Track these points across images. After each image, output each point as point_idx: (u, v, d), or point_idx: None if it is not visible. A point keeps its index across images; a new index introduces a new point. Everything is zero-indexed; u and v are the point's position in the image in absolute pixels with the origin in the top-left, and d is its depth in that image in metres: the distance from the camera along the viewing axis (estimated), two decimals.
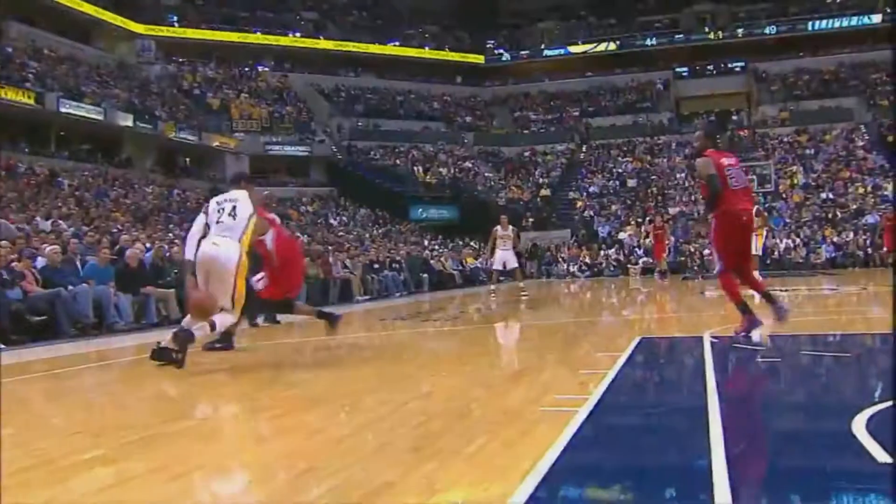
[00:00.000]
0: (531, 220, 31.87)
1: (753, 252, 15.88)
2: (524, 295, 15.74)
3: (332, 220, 30.97)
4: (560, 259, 28.08)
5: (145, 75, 36.55)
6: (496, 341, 8.91)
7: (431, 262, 22.67)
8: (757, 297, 7.40)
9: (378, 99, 42.54)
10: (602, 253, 27.72)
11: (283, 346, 8.51)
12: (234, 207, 6.28)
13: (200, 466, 3.37)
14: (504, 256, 16.16)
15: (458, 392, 5.00)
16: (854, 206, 28.99)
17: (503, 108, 44.92)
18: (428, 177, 35.48)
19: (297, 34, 43.39)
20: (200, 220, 6.32)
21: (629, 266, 26.04)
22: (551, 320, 11.04)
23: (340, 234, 27.06)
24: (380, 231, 29.73)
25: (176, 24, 40.39)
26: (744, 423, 4.10)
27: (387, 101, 42.62)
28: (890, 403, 4.17)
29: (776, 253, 25.46)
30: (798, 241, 26.01)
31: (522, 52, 46.88)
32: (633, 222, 29.54)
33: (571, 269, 27.28)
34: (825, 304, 12.17)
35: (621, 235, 28.77)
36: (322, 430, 4.09)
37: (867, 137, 35.17)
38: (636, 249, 27.22)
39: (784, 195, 30.70)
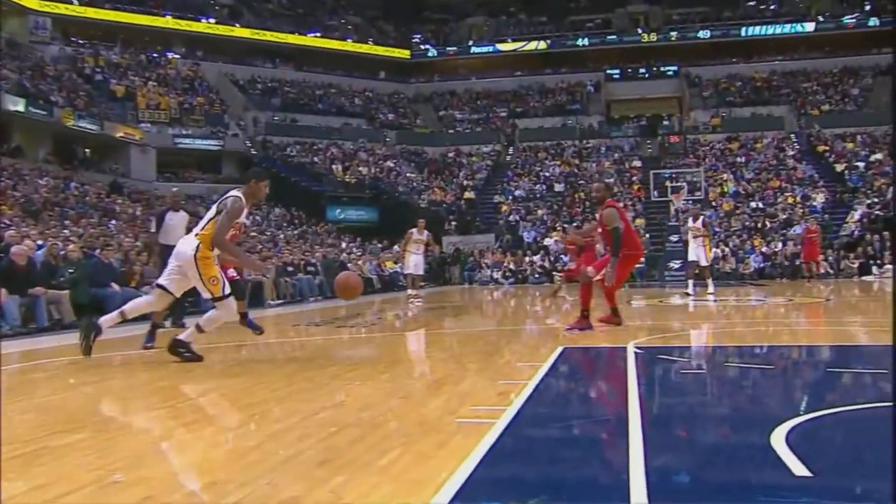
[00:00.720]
0: (454, 223, 32.07)
1: (704, 263, 16.62)
2: (416, 302, 15.99)
3: (243, 220, 30.53)
4: (483, 265, 28.34)
5: (40, 56, 35.30)
6: (415, 349, 8.94)
7: (349, 265, 22.58)
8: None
9: (296, 92, 42.15)
10: (527, 259, 28.09)
11: None
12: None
13: (90, 484, 3.29)
14: (416, 261, 16.53)
15: (373, 402, 5.01)
16: (783, 217, 30.15)
17: (428, 106, 45.10)
18: (347, 176, 35.32)
19: (211, 20, 42.66)
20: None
21: (555, 273, 26.40)
22: (473, 328, 11.13)
23: (253, 234, 26.68)
24: (295, 232, 29.44)
25: (76, 2, 39.13)
26: (664, 435, 4.22)
27: (305, 95, 42.26)
28: (810, 416, 4.37)
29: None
30: (727, 250, 26.88)
31: (449, 49, 47.23)
32: (559, 228, 30.00)
33: (495, 275, 27.58)
34: (752, 315, 12.62)
35: (547, 241, 29.19)
36: (226, 441, 4.04)
37: (797, 147, 36.64)
38: (562, 256, 27.64)
39: (714, 203, 31.68)
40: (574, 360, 7.39)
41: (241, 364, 7.22)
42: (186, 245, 6.90)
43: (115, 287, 12.74)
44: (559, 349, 7.52)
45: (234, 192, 7.19)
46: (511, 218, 32.63)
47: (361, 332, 10.54)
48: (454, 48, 47.17)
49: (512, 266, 27.76)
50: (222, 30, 42.51)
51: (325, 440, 3.88)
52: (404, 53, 46.88)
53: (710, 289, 16.64)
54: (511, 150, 40.31)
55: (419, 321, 12.76)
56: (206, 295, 6.89)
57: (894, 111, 35.62)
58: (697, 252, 16.85)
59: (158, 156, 34.18)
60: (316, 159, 36.78)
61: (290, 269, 19.26)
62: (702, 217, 17.70)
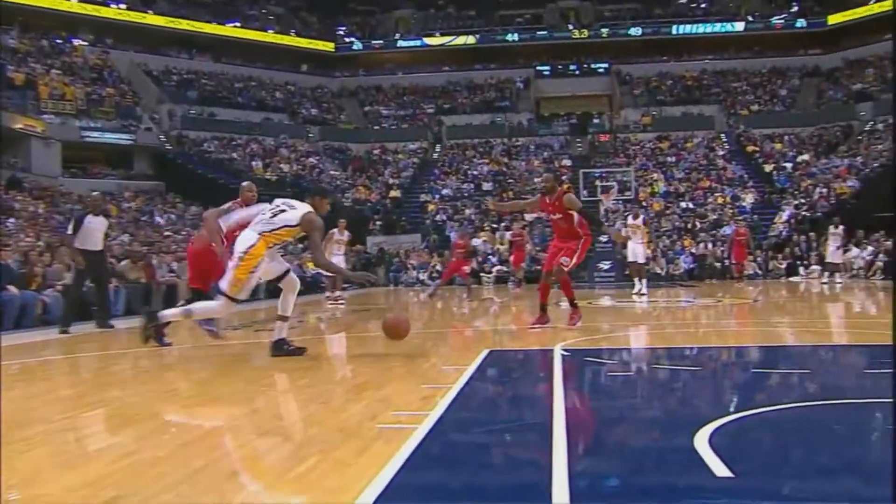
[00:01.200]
0: (379, 223, 31.99)
1: (641, 261, 17.20)
2: (339, 304, 16.13)
3: (157, 218, 29.86)
4: (409, 266, 28.35)
5: None
6: (337, 353, 8.90)
7: None
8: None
9: (214, 85, 41.46)
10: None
11: (94, 359, 8.14)
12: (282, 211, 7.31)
13: None
14: (338, 262, 16.74)
15: (290, 408, 4.97)
16: (713, 217, 30.98)
17: (352, 101, 44.89)
18: (268, 173, 34.89)
19: (122, 6, 41.53)
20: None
21: (482, 274, 26.64)
22: None
23: (167, 233, 26.15)
24: None
25: None
26: (588, 438, 4.31)
27: (224, 88, 41.60)
28: (734, 417, 4.51)
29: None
30: (658, 251, 27.47)
31: (375, 42, 47.08)
32: (487, 228, 30.23)
33: (421, 276, 27.62)
34: (681, 316, 12.94)
35: (475, 242, 29.30)
36: (132, 452, 3.95)
37: (727, 146, 37.69)
38: (490, 257, 27.88)
39: (644, 203, 32.31)
40: (500, 362, 7.46)
41: (152, 371, 7.08)
42: (240, 244, 7.16)
43: (13, 290, 12.33)
44: (485, 352, 7.58)
45: (304, 206, 7.43)
46: (438, 217, 32.73)
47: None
48: (380, 41, 47.04)
49: (439, 267, 27.82)
50: (134, 16, 41.48)
51: (238, 449, 3.84)
52: (328, 46, 46.54)
53: (643, 289, 17.10)
54: (438, 148, 40.41)
55: (341, 324, 12.70)
56: (223, 284, 7.14)
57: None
58: (636, 250, 17.44)
59: (64, 150, 33.12)
60: (235, 155, 36.25)
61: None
62: (642, 215, 18.32)
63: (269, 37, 44.95)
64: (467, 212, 32.86)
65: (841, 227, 22.52)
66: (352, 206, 33.16)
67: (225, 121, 38.65)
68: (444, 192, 35.27)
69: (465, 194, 34.99)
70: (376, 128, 42.52)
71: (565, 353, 7.33)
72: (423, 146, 40.11)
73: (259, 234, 7.17)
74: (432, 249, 29.48)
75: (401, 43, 46.83)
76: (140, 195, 32.47)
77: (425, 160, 39.22)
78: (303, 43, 45.92)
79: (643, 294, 17.17)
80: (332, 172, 37.08)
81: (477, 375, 6.25)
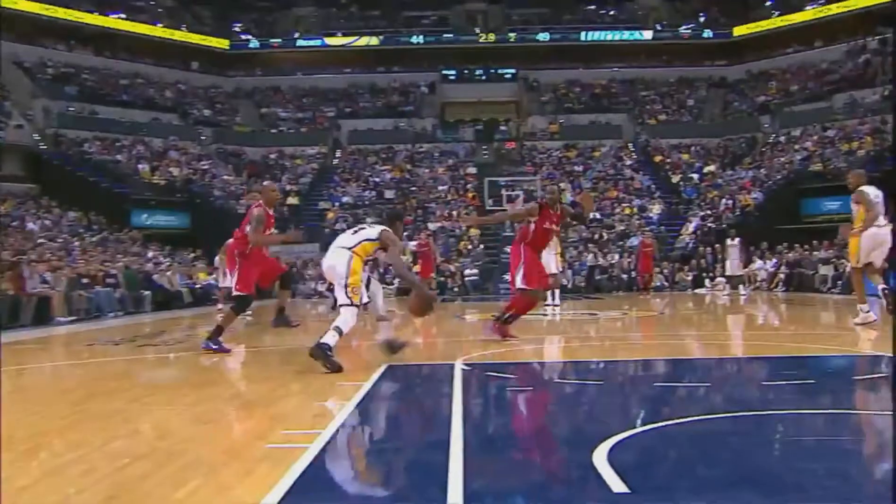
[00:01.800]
0: (275, 231, 31.62)
1: (554, 271, 17.68)
2: (247, 317, 16.02)
3: (30, 225, 28.74)
4: (307, 276, 28.09)
5: None
6: (227, 369, 8.75)
7: (155, 277, 21.77)
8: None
9: (96, 80, 40.22)
10: None
11: None
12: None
13: None
14: None
15: (173, 429, 4.87)
16: (620, 228, 31.76)
17: (248, 102, 44.25)
18: (156, 177, 34.03)
19: None
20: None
21: (385, 286, 26.56)
22: (292, 345, 11.01)
23: (41, 241, 25.20)
24: (93, 239, 28.04)
25: None
26: (486, 455, 4.36)
27: (107, 84, 40.40)
28: (635, 431, 4.64)
29: None
30: (563, 262, 27.98)
31: (273, 41, 46.54)
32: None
33: (319, 287, 27.40)
34: (586, 329, 13.21)
35: (376, 252, 29.32)
36: None
37: (635, 156, 38.71)
38: (391, 267, 27.91)
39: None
40: (398, 377, 7.47)
41: (27, 390, 6.83)
42: (338, 260, 8.17)
43: None
44: (383, 367, 7.60)
45: (384, 228, 8.68)
46: (338, 226, 32.44)
47: (169, 352, 10.20)
48: (278, 40, 46.50)
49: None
50: (4, 2, 39.88)
51: (113, 474, 3.74)
52: (223, 43, 45.75)
53: (556, 300, 17.56)
54: (339, 153, 40.14)
55: (234, 338, 12.48)
56: (342, 300, 8.04)
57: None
58: (549, 262, 17.76)
59: None
60: (119, 157, 35.19)
61: (85, 280, 18.33)
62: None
63: (158, 31, 43.80)
64: (368, 220, 32.79)
65: (738, 239, 23.48)
66: (246, 214, 32.66)
67: (108, 119, 37.49)
68: (345, 199, 35.10)
69: (367, 202, 34.90)
70: (273, 131, 42.01)
71: (466, 368, 7.40)
72: (322, 151, 39.81)
73: (349, 249, 8.26)
74: None
75: (300, 42, 46.44)
76: (10, 198, 31.18)
77: (325, 166, 38.93)
78: (195, 39, 45.02)
79: (556, 306, 17.63)
80: (225, 177, 36.38)
81: (374, 391, 6.27)
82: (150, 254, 25.20)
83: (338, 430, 4.60)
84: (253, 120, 43.02)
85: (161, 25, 43.90)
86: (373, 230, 8.55)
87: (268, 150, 39.94)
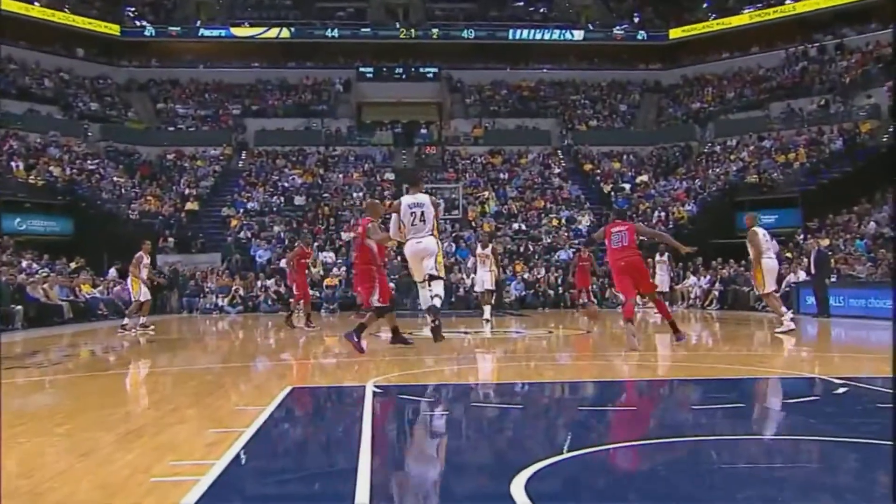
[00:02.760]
0: (172, 239, 31.03)
1: (490, 287, 18.70)
2: (150, 332, 15.80)
3: None
4: (206, 289, 27.67)
5: None
6: (113, 392, 8.53)
7: (28, 289, 21.08)
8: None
9: None
10: (259, 284, 27.80)
11: None
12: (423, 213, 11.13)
13: None
14: (145, 291, 17.43)
15: (41, 463, 4.71)
16: (547, 240, 32.10)
17: (143, 95, 43.40)
18: (32, 177, 33.05)
19: None
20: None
21: (292, 301, 26.33)
22: (188, 366, 10.82)
23: None
24: None
25: None
26: (395, 487, 4.32)
27: None
28: (556, 459, 4.66)
29: (461, 290, 27.29)
30: (497, 277, 28.14)
31: (172, 28, 45.76)
32: (299, 247, 30.00)
33: (220, 302, 27.03)
34: (510, 348, 13.28)
35: (284, 263, 29.01)
36: None
37: (564, 164, 39.23)
38: None
39: (473, 224, 33.03)
40: (304, 400, 7.41)
41: None
42: (431, 243, 11.13)
43: None
44: (287, 389, 7.53)
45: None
46: (242, 235, 32.11)
47: (44, 374, 9.88)
48: (178, 28, 45.71)
49: (241, 291, 27.34)
50: None
51: None
52: (113, 29, 44.68)
53: (488, 315, 18.85)
54: (244, 155, 39.67)
55: (122, 359, 12.20)
56: (434, 272, 11.03)
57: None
58: (483, 278, 19.28)
59: None
60: None
61: None
62: (491, 244, 19.94)
63: (36, 10, 42.13)
64: (276, 228, 32.46)
65: (666, 254, 23.82)
66: (139, 220, 32.00)
67: None
68: (250, 205, 34.68)
69: (274, 208, 34.56)
70: (171, 129, 41.28)
71: (378, 390, 7.37)
72: (226, 152, 39.30)
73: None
74: (234, 271, 28.89)
75: (203, 32, 45.75)
76: None
77: (228, 168, 38.45)
78: (80, 22, 43.65)
79: (488, 321, 18.45)
80: (115, 179, 35.52)
81: (276, 416, 6.19)
82: (24, 263, 24.40)
83: (233, 461, 4.51)
84: (148, 116, 42.21)
85: (39, 5, 42.39)
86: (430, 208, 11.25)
87: (164, 149, 39.24)
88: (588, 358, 11.44)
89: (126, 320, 17.47)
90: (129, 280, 18.25)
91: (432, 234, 11.06)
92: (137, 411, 6.93)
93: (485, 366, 10.53)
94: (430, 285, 11.05)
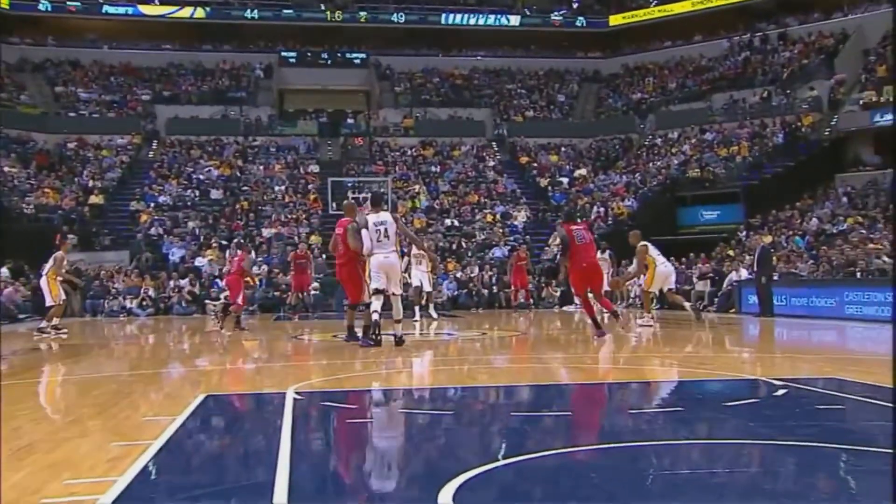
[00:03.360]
0: (74, 236, 30.30)
1: (428, 288, 19.45)
2: (62, 335, 16.12)
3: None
4: (113, 290, 27.16)
5: None
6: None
7: None
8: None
9: None
10: (172, 284, 27.40)
11: None
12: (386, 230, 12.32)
13: None
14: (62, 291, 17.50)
15: None
16: (481, 237, 32.22)
17: (38, 77, 42.24)
18: None
19: None
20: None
21: (208, 302, 26.07)
22: (92, 373, 10.64)
23: None
24: None
25: None
26: (316, 501, 4.30)
27: None
28: (485, 468, 4.68)
29: None
30: (433, 276, 28.13)
31: (71, 4, 44.55)
32: (215, 245, 29.64)
33: (129, 304, 26.59)
34: (442, 351, 13.32)
35: (199, 262, 28.69)
36: None
37: (499, 157, 39.44)
38: (218, 281, 27.33)
39: (404, 219, 32.98)
40: (218, 409, 7.35)
41: None
42: (395, 259, 12.72)
43: None
44: (201, 396, 7.45)
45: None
46: (153, 231, 31.59)
47: None
48: (78, 3, 44.67)
49: (151, 293, 26.89)
50: None
51: None
52: (2, 1, 43.46)
53: (434, 314, 20.21)
54: (154, 145, 39.09)
55: (16, 367, 11.91)
56: (397, 290, 12.82)
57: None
58: (421, 277, 20.09)
59: None
60: None
61: None
62: (426, 242, 20.39)
63: None
64: (190, 224, 32.04)
65: (608, 251, 23.98)
66: (35, 215, 31.26)
67: None
68: (162, 199, 34.17)
69: (189, 203, 34.09)
70: (72, 115, 40.26)
71: (299, 397, 7.33)
72: (134, 141, 38.63)
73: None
74: (144, 270, 28.43)
75: (107, 8, 44.72)
76: None
77: (137, 159, 37.83)
78: None
79: (433, 319, 19.85)
80: (7, 169, 34.63)
81: (187, 427, 6.11)
82: None
83: (137, 477, 4.43)
84: (44, 100, 41.12)
85: None
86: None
87: (64, 137, 38.24)
88: (524, 360, 11.52)
89: (44, 323, 17.42)
90: (44, 282, 17.87)
91: (395, 251, 12.47)
92: (29, 426, 6.71)
93: (415, 370, 10.53)
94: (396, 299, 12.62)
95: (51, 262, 17.63)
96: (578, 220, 15.82)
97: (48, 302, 17.67)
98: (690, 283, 25.08)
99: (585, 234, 14.15)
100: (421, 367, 10.86)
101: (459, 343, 14.87)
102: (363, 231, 12.45)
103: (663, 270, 17.11)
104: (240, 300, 17.90)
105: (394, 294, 12.53)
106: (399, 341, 12.32)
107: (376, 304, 12.27)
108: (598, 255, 24.20)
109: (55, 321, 17.48)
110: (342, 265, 13.21)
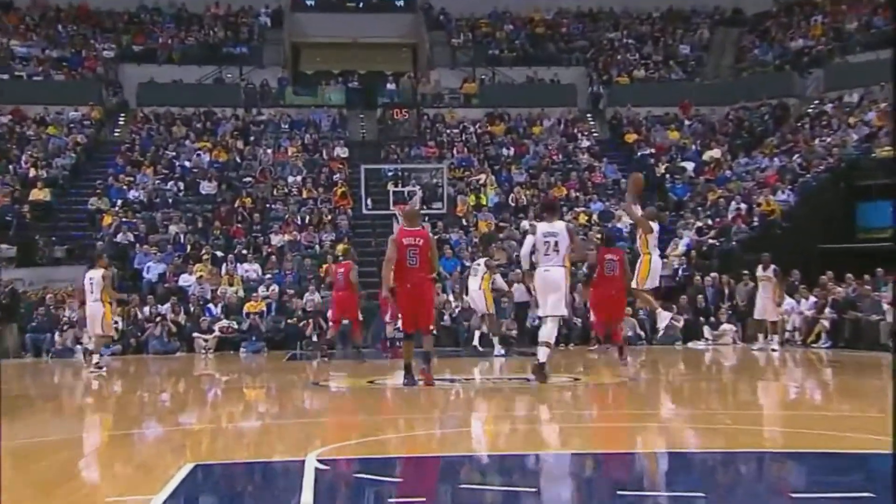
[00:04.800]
0: (8, 246, 30.56)
1: (486, 310, 21.47)
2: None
3: None
4: (64, 320, 27.32)
5: None
6: None
7: None
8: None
9: None
10: (147, 311, 27.48)
11: None
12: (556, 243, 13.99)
13: None
14: None
15: None
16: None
17: None
18: None
19: None
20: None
21: (196, 336, 26.21)
22: (34, 438, 10.73)
23: None
24: None
25: None
26: None
27: None
28: None
29: (446, 317, 27.07)
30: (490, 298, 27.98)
31: None
32: (207, 258, 29.65)
33: (86, 339, 26.52)
34: (515, 403, 13.28)
35: (184, 281, 28.75)
36: None
37: (597, 135, 39.20)
38: (210, 307, 27.49)
39: (465, 220, 32.80)
40: (211, 484, 7.38)
41: None
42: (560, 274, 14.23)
43: None
44: (188, 467, 7.49)
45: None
46: (120, 238, 31.74)
47: None
48: None
49: (119, 323, 26.94)
50: None
51: None
52: None
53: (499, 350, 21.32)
54: (122, 119, 39.56)
55: None
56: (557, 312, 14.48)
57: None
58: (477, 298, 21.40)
59: None
60: None
61: None
62: (491, 250, 21.25)
63: None
64: (172, 229, 32.17)
65: (772, 267, 23.43)
66: None
67: None
68: (133, 194, 34.37)
69: (170, 200, 34.27)
70: (3, 77, 40.58)
71: (322, 467, 7.33)
72: (94, 115, 38.96)
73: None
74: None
75: None
76: None
77: (98, 140, 38.17)
78: None
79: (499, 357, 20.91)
80: None
81: None
82: None
83: None
84: None
85: None
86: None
87: None
88: (633, 418, 11.43)
89: (96, 358, 18.93)
90: (97, 307, 18.97)
91: (563, 266, 14.09)
92: None
93: (481, 428, 10.51)
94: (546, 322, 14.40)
95: (98, 281, 19.05)
96: (616, 247, 19.51)
97: (98, 330, 19.01)
98: (877, 310, 24.19)
99: (618, 265, 17.92)
100: (489, 424, 10.83)
101: (543, 392, 14.84)
102: (528, 238, 14.59)
103: (658, 262, 18.29)
104: (388, 317, 20.61)
105: (551, 317, 14.32)
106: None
107: (550, 328, 14.34)
108: (760, 271, 23.98)
109: (96, 358, 18.98)
110: (416, 285, 13.93)
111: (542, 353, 14.14)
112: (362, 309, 23.06)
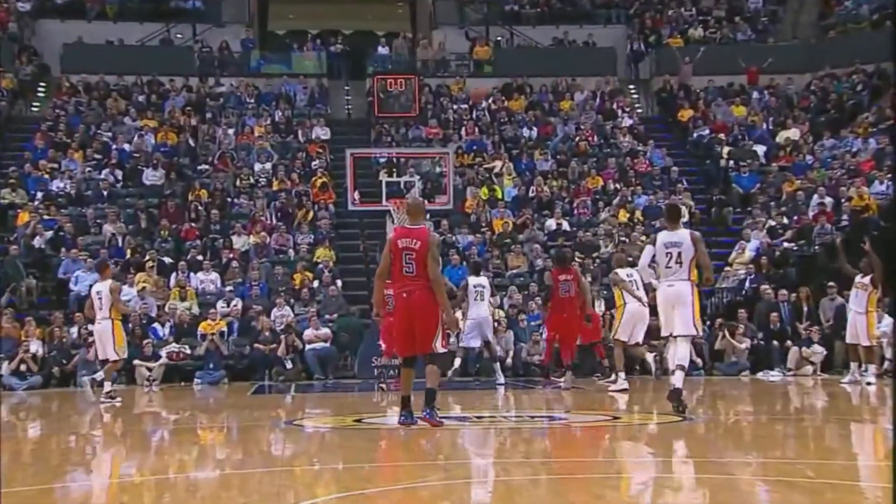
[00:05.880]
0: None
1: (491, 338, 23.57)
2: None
3: None
4: None
5: None
6: None
7: None
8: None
9: None
10: (76, 332, 27.52)
11: None
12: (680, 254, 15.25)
13: None
14: None
15: None
16: (610, 249, 31.87)
17: None
18: None
19: None
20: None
21: (138, 363, 26.24)
22: None
23: None
24: None
25: None
26: None
27: None
28: None
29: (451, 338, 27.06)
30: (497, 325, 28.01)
31: None
32: (152, 265, 29.69)
33: (2, 370, 26.72)
34: (538, 446, 13.25)
35: (125, 294, 28.78)
36: None
37: (641, 110, 39.43)
38: (156, 327, 27.53)
39: (473, 216, 32.74)
40: None
41: None
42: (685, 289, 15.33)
43: None
44: None
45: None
46: (38, 241, 31.84)
47: None
48: None
49: (38, 348, 26.95)
50: None
51: None
52: None
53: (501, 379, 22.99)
54: (41, 91, 39.78)
55: None
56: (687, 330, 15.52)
57: None
58: (481, 315, 23.25)
59: None
60: None
61: None
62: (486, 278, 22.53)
63: None
64: (107, 230, 32.18)
65: (870, 275, 23.26)
66: None
67: None
68: (56, 185, 34.50)
69: (104, 193, 34.32)
70: None
71: None
72: (4, 84, 39.08)
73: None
74: (24, 310, 28.57)
75: None
76: None
77: (10, 116, 38.27)
78: None
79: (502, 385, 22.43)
80: None
81: None
82: None
83: None
84: None
85: None
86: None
87: None
88: (692, 467, 11.39)
89: (108, 385, 20.00)
90: (106, 325, 19.84)
91: (688, 280, 15.27)
92: None
93: (492, 477, 10.48)
94: (676, 342, 15.78)
95: (106, 295, 19.75)
96: (569, 266, 21.82)
97: (108, 354, 19.73)
98: None
99: (573, 286, 20.77)
100: (501, 472, 10.80)
101: (574, 431, 14.85)
102: (647, 248, 16.31)
103: (635, 310, 20.61)
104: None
105: (682, 336, 15.59)
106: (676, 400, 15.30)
107: (684, 349, 15.75)
108: (858, 278, 23.92)
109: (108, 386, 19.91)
110: (412, 292, 13.68)
111: (678, 379, 15.20)
112: (350, 328, 23.40)
